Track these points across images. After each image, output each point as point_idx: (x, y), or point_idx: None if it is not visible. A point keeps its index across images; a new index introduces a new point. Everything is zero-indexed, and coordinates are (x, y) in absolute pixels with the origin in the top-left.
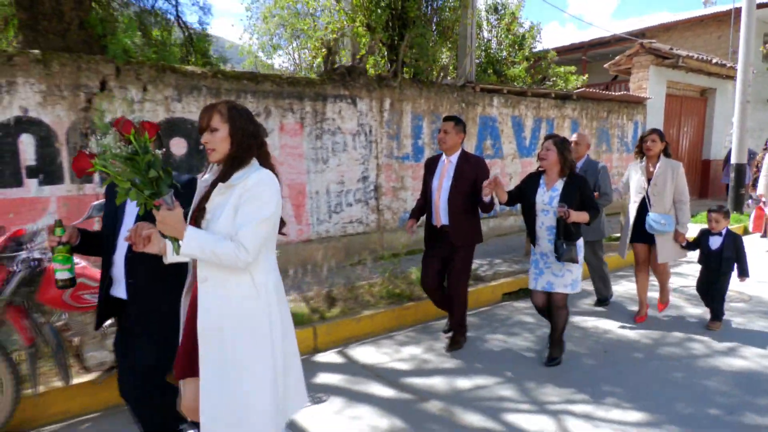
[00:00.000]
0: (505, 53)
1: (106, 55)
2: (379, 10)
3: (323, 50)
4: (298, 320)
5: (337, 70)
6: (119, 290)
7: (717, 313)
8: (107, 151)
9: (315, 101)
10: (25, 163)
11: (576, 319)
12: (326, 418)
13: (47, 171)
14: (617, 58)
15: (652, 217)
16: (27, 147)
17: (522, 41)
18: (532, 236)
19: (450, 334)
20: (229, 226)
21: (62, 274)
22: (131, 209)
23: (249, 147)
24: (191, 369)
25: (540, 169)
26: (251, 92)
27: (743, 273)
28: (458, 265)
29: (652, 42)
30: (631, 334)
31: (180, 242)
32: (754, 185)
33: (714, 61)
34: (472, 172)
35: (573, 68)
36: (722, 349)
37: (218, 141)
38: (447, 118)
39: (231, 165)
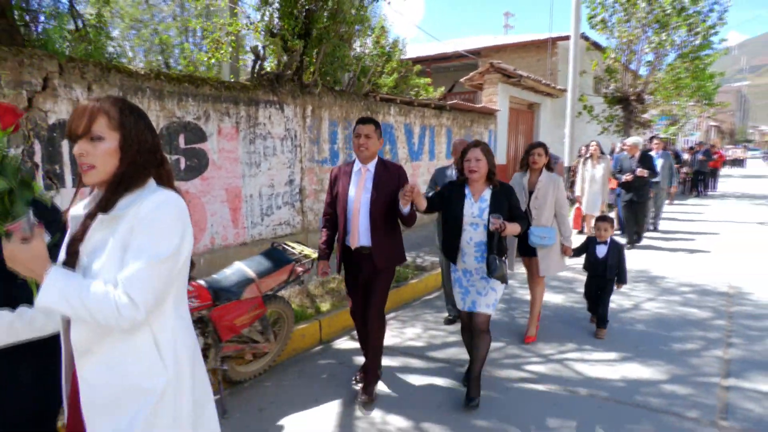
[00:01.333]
0: (371, 64)
1: (45, 48)
2: (290, 20)
3: (218, 51)
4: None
5: (264, 76)
6: None
7: (603, 319)
8: None
9: (248, 106)
10: None
11: None
12: (404, 385)
13: None
14: (471, 74)
15: (534, 231)
16: None
17: (390, 53)
18: (452, 252)
19: (361, 383)
20: (115, 271)
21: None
22: None
23: (145, 165)
24: None
25: (461, 179)
26: (192, 95)
27: (621, 280)
28: (379, 293)
29: (500, 63)
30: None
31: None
32: (572, 187)
33: (543, 81)
34: (392, 182)
35: (429, 80)
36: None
37: (101, 155)
38: (365, 120)
39: (117, 188)
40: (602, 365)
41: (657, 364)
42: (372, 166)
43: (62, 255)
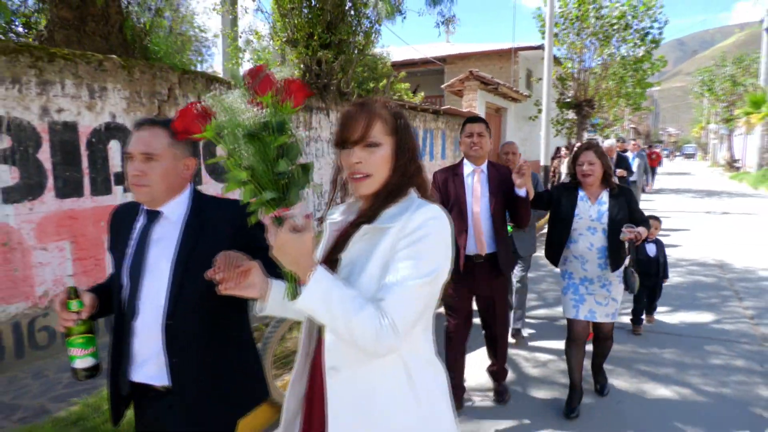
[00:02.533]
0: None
1: (150, 60)
2: (314, 30)
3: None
4: None
5: (314, 85)
6: (145, 373)
7: (651, 312)
8: (229, 115)
9: (304, 112)
10: (113, 169)
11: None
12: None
13: None
14: (452, 81)
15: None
16: (115, 153)
17: (377, 61)
18: (556, 255)
19: (497, 386)
20: (373, 288)
21: (85, 362)
22: (163, 246)
23: (413, 173)
24: None
25: (573, 182)
26: None
27: (666, 275)
28: (503, 296)
29: (478, 71)
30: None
31: (300, 285)
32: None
33: (514, 88)
34: (504, 184)
35: (408, 85)
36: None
37: (378, 162)
38: (476, 119)
39: (386, 198)
40: (664, 316)
41: (698, 313)
42: (485, 167)
43: (320, 259)
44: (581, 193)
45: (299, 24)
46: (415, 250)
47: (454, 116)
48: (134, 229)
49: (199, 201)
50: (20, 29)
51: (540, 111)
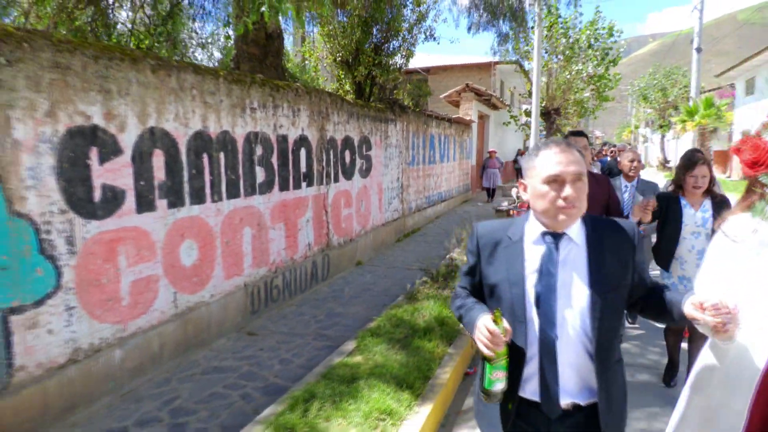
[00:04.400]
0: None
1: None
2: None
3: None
4: None
5: (386, 100)
6: (554, 389)
7: None
8: None
9: (383, 123)
10: (302, 170)
11: None
12: None
13: (308, 176)
14: (450, 92)
15: None
16: (302, 158)
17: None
18: (667, 260)
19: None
20: None
21: (502, 385)
22: (571, 268)
23: None
24: None
25: (674, 192)
26: (357, 115)
27: None
28: None
29: (473, 84)
30: None
31: None
32: None
33: (501, 99)
34: (603, 195)
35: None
36: None
37: None
38: (580, 133)
39: None
40: None
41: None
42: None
43: None
44: (683, 201)
45: (345, 45)
46: None
47: (459, 124)
48: (519, 251)
49: (590, 220)
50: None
51: (512, 118)
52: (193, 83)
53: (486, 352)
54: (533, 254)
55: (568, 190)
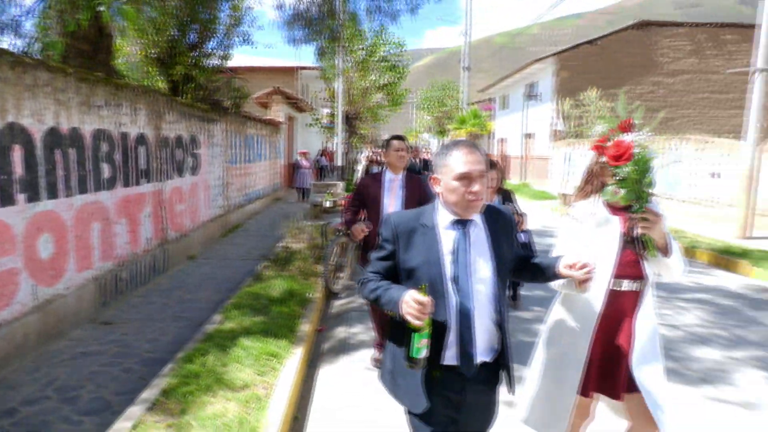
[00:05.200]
0: None
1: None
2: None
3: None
4: None
5: (206, 100)
6: (471, 352)
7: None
8: (644, 150)
9: (208, 123)
10: (140, 167)
11: None
12: None
13: (147, 173)
14: (259, 94)
15: None
16: (140, 155)
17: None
18: None
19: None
20: None
21: (426, 352)
22: (480, 248)
23: None
24: (628, 385)
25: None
26: (187, 115)
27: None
28: None
29: (283, 87)
30: None
31: (657, 250)
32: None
33: (308, 102)
34: (417, 189)
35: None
36: None
37: None
38: (401, 137)
39: None
40: None
41: None
42: (402, 176)
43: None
44: None
45: (158, 42)
46: None
47: (272, 125)
48: (434, 236)
49: (485, 208)
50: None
51: (315, 119)
52: (46, 80)
53: (415, 322)
54: (447, 238)
55: (476, 186)
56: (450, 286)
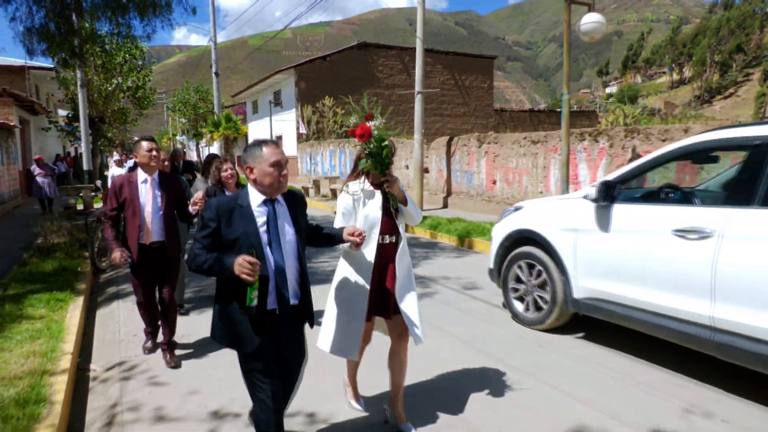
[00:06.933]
0: None
1: None
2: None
3: None
4: None
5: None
6: (286, 297)
7: None
8: (378, 130)
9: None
10: None
11: None
12: None
13: None
14: None
15: None
16: None
17: None
18: None
19: (170, 350)
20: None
21: (256, 301)
22: (284, 220)
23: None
24: (394, 308)
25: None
26: None
27: None
28: (174, 275)
29: (12, 89)
30: None
31: (399, 202)
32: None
33: (42, 105)
34: (174, 189)
35: None
36: None
37: None
38: (151, 138)
39: None
40: None
41: None
42: (156, 176)
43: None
44: (228, 192)
45: None
46: None
47: (3, 129)
48: (251, 213)
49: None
50: None
51: (53, 122)
52: None
53: (250, 278)
54: (260, 214)
55: (285, 171)
56: (267, 249)
